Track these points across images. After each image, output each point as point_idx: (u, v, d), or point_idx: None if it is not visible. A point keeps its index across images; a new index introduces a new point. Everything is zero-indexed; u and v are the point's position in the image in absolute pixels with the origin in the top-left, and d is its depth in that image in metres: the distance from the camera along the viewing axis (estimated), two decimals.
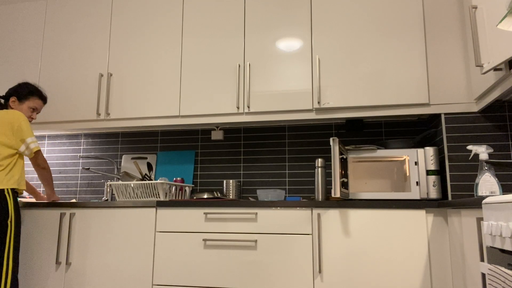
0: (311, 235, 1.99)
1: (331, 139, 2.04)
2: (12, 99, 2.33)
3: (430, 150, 2.10)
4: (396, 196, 2.08)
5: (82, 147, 3.03)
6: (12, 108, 2.32)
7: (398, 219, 1.92)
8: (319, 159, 2.21)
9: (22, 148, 2.18)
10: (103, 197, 2.87)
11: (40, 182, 3.05)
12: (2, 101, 2.36)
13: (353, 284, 1.91)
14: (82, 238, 2.26)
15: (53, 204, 2.33)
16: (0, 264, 2.02)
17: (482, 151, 1.87)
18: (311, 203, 2.01)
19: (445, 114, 2.15)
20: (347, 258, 1.94)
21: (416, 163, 2.10)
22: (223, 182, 2.67)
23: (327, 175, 2.56)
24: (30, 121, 2.33)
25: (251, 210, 2.07)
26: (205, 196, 2.33)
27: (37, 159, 2.24)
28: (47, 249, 2.30)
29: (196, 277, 2.08)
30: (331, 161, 2.45)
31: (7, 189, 2.09)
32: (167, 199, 2.41)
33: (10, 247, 2.05)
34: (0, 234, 2.04)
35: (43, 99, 2.42)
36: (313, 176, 2.61)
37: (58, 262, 2.27)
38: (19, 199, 2.67)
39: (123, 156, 2.92)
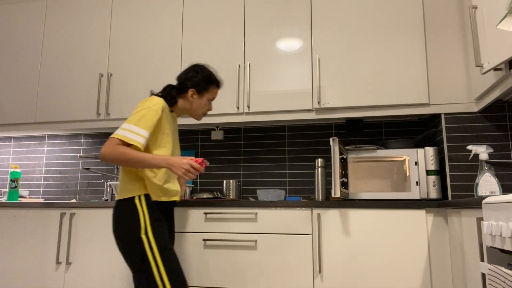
0: (311, 235, 1.99)
1: (331, 139, 2.04)
2: (191, 91, 1.81)
3: (430, 150, 2.10)
4: (396, 196, 2.08)
5: (82, 147, 3.03)
6: (189, 102, 1.83)
7: (398, 219, 1.92)
8: (319, 159, 2.21)
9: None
10: (103, 197, 2.87)
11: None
12: (174, 92, 1.83)
13: (353, 284, 1.91)
14: (82, 238, 2.26)
15: (53, 204, 2.33)
16: None
17: (482, 151, 1.87)
18: (311, 203, 2.01)
19: (445, 114, 2.15)
20: (347, 258, 1.94)
21: (416, 163, 2.09)
22: (223, 182, 2.67)
23: (327, 175, 2.56)
24: (204, 114, 1.89)
25: (251, 210, 2.07)
26: (205, 196, 2.33)
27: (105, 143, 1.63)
28: (47, 249, 2.30)
29: (196, 277, 2.08)
30: (331, 161, 2.44)
31: (138, 196, 1.68)
32: None
33: (159, 268, 1.60)
34: (134, 254, 1.61)
35: (220, 86, 1.92)
36: (313, 176, 2.61)
37: (58, 262, 2.27)
38: (19, 198, 2.68)
39: None
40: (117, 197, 1.71)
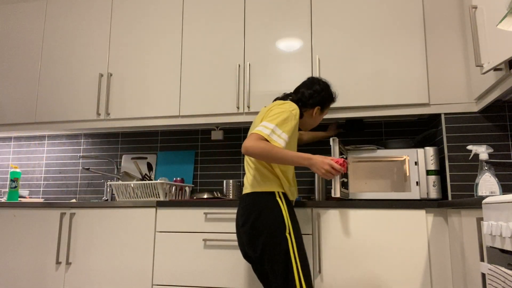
0: (311, 235, 1.99)
1: (331, 139, 2.04)
2: (317, 109, 1.87)
3: (430, 150, 2.10)
4: (396, 196, 2.08)
5: (82, 147, 3.03)
6: (311, 117, 1.88)
7: (398, 219, 1.92)
8: None
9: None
10: (103, 197, 2.87)
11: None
12: (300, 104, 1.86)
13: (353, 284, 1.91)
14: (82, 238, 2.26)
15: (53, 204, 2.33)
16: None
17: (482, 151, 1.87)
18: (311, 203, 2.01)
19: (445, 114, 2.15)
20: (347, 258, 1.94)
21: (416, 163, 2.09)
22: (223, 182, 2.67)
23: None
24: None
25: None
26: (205, 196, 2.33)
27: (246, 141, 1.63)
28: (47, 249, 2.30)
29: (196, 277, 2.08)
30: None
31: (278, 192, 1.70)
32: (167, 199, 2.41)
33: (299, 270, 1.59)
34: (277, 250, 1.60)
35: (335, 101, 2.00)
36: (313, 176, 2.61)
37: (58, 262, 2.27)
38: (19, 198, 2.68)
39: (123, 156, 2.92)
40: (252, 189, 1.69)
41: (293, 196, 1.79)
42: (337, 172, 1.61)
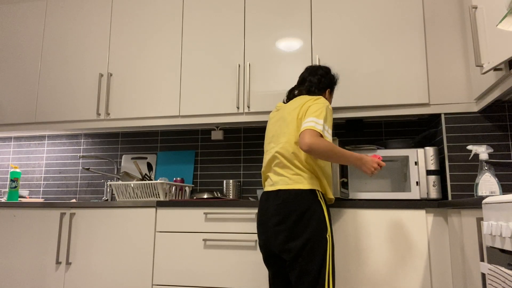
0: None
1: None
2: (328, 91, 1.90)
3: (430, 150, 2.10)
4: (396, 196, 2.08)
5: (82, 147, 3.03)
6: None
7: (398, 219, 1.92)
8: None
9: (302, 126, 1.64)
10: (103, 197, 2.87)
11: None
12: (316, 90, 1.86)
13: (353, 284, 1.91)
14: (82, 238, 2.26)
15: (53, 204, 2.33)
16: None
17: (482, 151, 1.87)
18: None
19: (445, 114, 2.15)
20: (347, 258, 1.94)
21: (416, 163, 2.09)
22: (223, 182, 2.67)
23: None
24: None
25: (251, 210, 2.07)
26: (205, 196, 2.33)
27: (303, 137, 1.57)
28: (47, 249, 2.30)
29: (196, 277, 2.08)
30: None
31: (319, 192, 1.64)
32: (167, 199, 2.41)
33: (329, 274, 1.56)
34: (317, 250, 1.55)
35: None
36: None
37: (58, 262, 2.27)
38: (19, 198, 2.68)
39: (123, 156, 2.92)
40: (289, 186, 1.61)
41: (331, 195, 1.71)
42: (380, 168, 1.67)
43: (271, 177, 1.71)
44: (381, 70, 2.25)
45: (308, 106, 1.68)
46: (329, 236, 1.58)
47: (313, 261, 1.54)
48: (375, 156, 1.72)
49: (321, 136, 1.58)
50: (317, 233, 1.56)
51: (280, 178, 1.66)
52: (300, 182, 1.61)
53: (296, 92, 1.87)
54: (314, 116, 1.61)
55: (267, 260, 1.72)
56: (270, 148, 1.75)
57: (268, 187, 1.71)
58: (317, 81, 1.85)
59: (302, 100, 1.74)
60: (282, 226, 1.58)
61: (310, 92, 1.83)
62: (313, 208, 1.57)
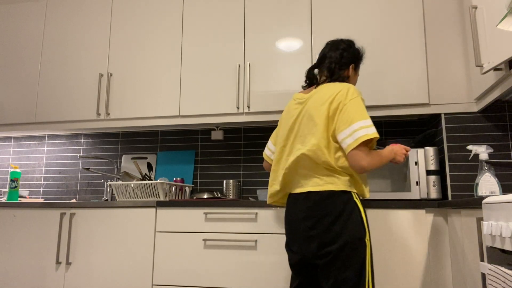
0: None
1: None
2: (351, 67, 1.69)
3: (430, 150, 2.10)
4: (396, 196, 2.08)
5: (82, 147, 3.03)
6: (346, 78, 1.68)
7: (398, 219, 1.92)
8: None
9: (342, 136, 1.48)
10: (103, 197, 2.87)
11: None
12: (337, 69, 1.65)
13: None
14: (82, 238, 2.26)
15: (53, 204, 2.33)
16: None
17: (482, 151, 1.87)
18: None
19: (445, 114, 2.15)
20: None
21: (416, 163, 2.09)
22: (223, 182, 2.67)
23: None
24: None
25: (251, 210, 2.07)
26: (205, 196, 2.33)
27: (358, 155, 1.46)
28: (47, 249, 2.30)
29: (196, 277, 2.08)
30: None
31: (354, 193, 1.51)
32: (167, 199, 2.41)
33: (368, 280, 1.44)
34: (355, 256, 1.43)
35: None
36: None
37: (58, 262, 2.27)
38: (19, 198, 2.68)
39: (123, 156, 2.92)
40: (321, 187, 1.49)
41: (368, 194, 1.59)
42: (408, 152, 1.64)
43: (298, 179, 1.56)
44: (381, 70, 2.25)
45: (343, 105, 1.49)
46: (367, 240, 1.45)
47: (351, 268, 1.41)
48: (393, 145, 1.63)
49: (372, 139, 1.49)
50: (355, 237, 1.42)
51: (310, 180, 1.52)
52: (333, 183, 1.48)
53: (315, 72, 1.70)
54: (360, 118, 1.46)
55: (296, 268, 1.58)
56: (296, 149, 1.57)
57: (296, 189, 1.56)
58: (339, 56, 1.65)
59: (328, 92, 1.54)
60: (315, 231, 1.46)
61: (331, 72, 1.63)
62: (348, 210, 1.44)
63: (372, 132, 1.45)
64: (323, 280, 1.47)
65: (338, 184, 1.48)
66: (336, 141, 1.51)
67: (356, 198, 1.50)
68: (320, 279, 1.49)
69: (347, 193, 1.48)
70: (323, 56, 1.70)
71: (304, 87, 1.76)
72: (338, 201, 1.45)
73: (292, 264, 1.60)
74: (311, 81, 1.73)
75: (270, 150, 1.84)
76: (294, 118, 1.62)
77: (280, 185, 1.62)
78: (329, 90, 1.55)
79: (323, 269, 1.46)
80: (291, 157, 1.58)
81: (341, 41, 1.70)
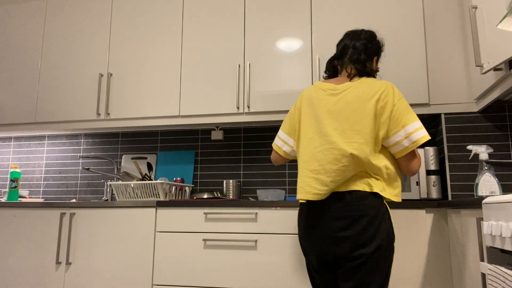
0: None
1: None
2: (375, 59, 1.63)
3: (430, 150, 2.10)
4: None
5: (82, 147, 3.03)
6: (372, 72, 1.61)
7: (398, 219, 1.92)
8: None
9: (396, 138, 1.45)
10: (103, 197, 2.87)
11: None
12: (366, 62, 1.58)
13: None
14: (82, 238, 2.26)
15: (53, 204, 2.33)
16: None
17: (482, 151, 1.87)
18: None
19: (445, 114, 2.15)
20: None
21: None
22: (223, 182, 2.67)
23: None
24: None
25: (251, 210, 2.07)
26: (205, 196, 2.33)
27: (415, 164, 1.49)
28: (47, 249, 2.30)
29: (196, 277, 2.08)
30: None
31: (384, 196, 1.46)
32: (167, 199, 2.41)
33: (387, 283, 1.44)
34: (384, 261, 1.40)
35: None
36: None
37: (58, 262, 2.27)
38: (19, 198, 2.68)
39: (123, 156, 2.92)
40: (360, 187, 1.43)
41: (400, 199, 1.52)
42: None
43: (328, 177, 1.45)
44: (381, 70, 2.25)
45: (392, 105, 1.45)
46: (394, 244, 1.47)
47: (377, 272, 1.38)
48: None
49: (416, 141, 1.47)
50: (387, 241, 1.40)
51: (344, 178, 1.44)
52: (368, 184, 1.44)
53: (337, 63, 1.63)
54: (413, 119, 1.45)
55: (320, 270, 1.52)
56: (335, 144, 1.46)
57: (323, 188, 1.46)
58: (363, 47, 1.57)
59: (371, 89, 1.48)
60: (348, 232, 1.39)
61: (362, 63, 1.56)
62: (382, 213, 1.41)
63: (426, 133, 1.45)
64: (344, 281, 1.43)
65: (373, 186, 1.43)
66: (378, 142, 1.46)
67: (386, 202, 1.47)
68: (340, 279, 1.44)
69: (380, 196, 1.44)
70: (344, 46, 1.61)
71: (325, 78, 1.69)
72: (373, 204, 1.41)
73: (313, 267, 1.54)
74: (333, 71, 1.66)
75: (282, 141, 1.68)
76: (327, 109, 1.51)
77: (327, 181, 1.45)
78: (371, 86, 1.49)
79: (350, 271, 1.41)
80: (328, 155, 1.46)
81: (362, 31, 1.63)
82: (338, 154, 1.44)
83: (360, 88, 1.50)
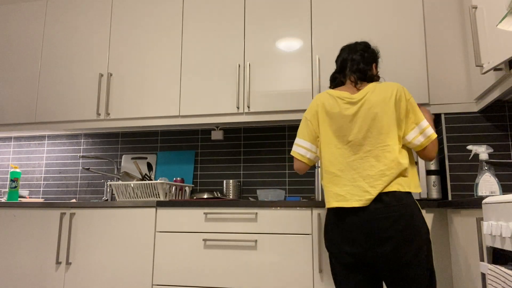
0: (311, 235, 1.99)
1: None
2: (374, 66, 1.72)
3: None
4: None
5: (82, 147, 3.03)
6: (374, 77, 1.69)
7: None
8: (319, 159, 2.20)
9: (413, 135, 1.57)
10: (103, 197, 2.87)
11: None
12: (372, 71, 1.69)
13: None
14: (82, 238, 2.26)
15: (53, 204, 2.33)
16: None
17: (482, 151, 1.87)
18: (311, 203, 2.01)
19: (445, 114, 2.15)
20: None
21: (416, 163, 2.09)
22: (223, 182, 2.67)
23: None
24: None
25: (251, 210, 2.07)
26: (205, 196, 2.33)
27: (431, 151, 1.59)
28: (47, 249, 2.30)
29: (196, 277, 2.08)
30: None
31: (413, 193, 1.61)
32: (167, 199, 2.41)
33: (435, 277, 1.53)
34: (424, 255, 1.46)
35: None
36: (313, 176, 2.61)
37: (58, 262, 2.27)
38: (19, 198, 2.68)
39: (123, 156, 2.92)
40: (395, 187, 1.49)
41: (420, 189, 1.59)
42: None
43: (367, 183, 1.51)
44: (381, 70, 2.25)
45: (408, 103, 1.56)
46: (430, 239, 1.53)
47: (424, 266, 1.45)
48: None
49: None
50: (427, 239, 1.47)
51: (384, 182, 1.49)
52: (400, 183, 1.49)
53: (340, 77, 1.70)
54: (423, 117, 1.58)
55: (355, 269, 1.53)
56: (371, 152, 1.53)
57: (365, 194, 1.50)
58: (360, 57, 1.67)
59: (386, 92, 1.57)
60: (390, 232, 1.43)
61: (363, 72, 1.64)
62: (417, 210, 1.47)
63: (433, 131, 1.59)
64: (392, 280, 1.47)
65: (404, 185, 1.50)
66: (400, 141, 1.55)
67: (416, 200, 1.54)
68: (388, 279, 1.48)
69: (409, 194, 1.50)
70: (343, 60, 1.71)
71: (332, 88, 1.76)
72: (409, 202, 1.47)
73: (347, 267, 1.54)
74: (337, 84, 1.73)
75: (305, 149, 1.67)
76: (350, 118, 1.57)
77: (367, 187, 1.51)
78: (385, 89, 1.58)
79: (396, 270, 1.44)
80: (365, 161, 1.53)
81: (356, 44, 1.73)
82: (374, 161, 1.52)
83: (376, 93, 1.58)
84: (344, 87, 1.67)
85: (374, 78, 1.67)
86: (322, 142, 1.63)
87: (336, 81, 1.73)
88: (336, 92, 1.64)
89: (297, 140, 1.70)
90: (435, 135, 1.57)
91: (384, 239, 1.43)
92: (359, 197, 1.49)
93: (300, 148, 1.69)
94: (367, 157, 1.53)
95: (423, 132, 1.55)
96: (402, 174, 1.51)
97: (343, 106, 1.60)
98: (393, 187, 1.48)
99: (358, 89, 1.62)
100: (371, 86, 1.60)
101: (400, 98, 1.55)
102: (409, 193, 1.50)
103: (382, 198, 1.47)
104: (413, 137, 1.55)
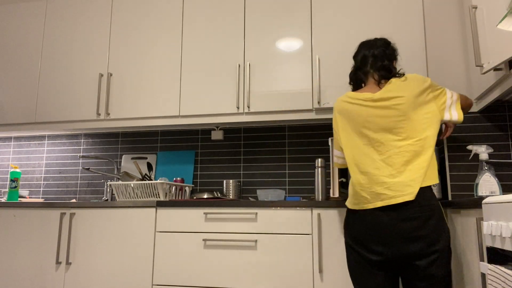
0: (311, 235, 1.99)
1: (329, 139, 2.04)
2: (394, 63, 1.71)
3: None
4: None
5: (82, 147, 3.03)
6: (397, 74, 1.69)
7: None
8: (319, 159, 2.21)
9: (448, 116, 1.60)
10: (103, 197, 2.87)
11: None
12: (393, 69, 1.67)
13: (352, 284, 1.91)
14: (82, 238, 2.26)
15: (53, 204, 2.33)
16: None
17: (482, 151, 1.87)
18: (311, 203, 2.01)
19: None
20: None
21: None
22: (223, 182, 2.67)
23: (327, 175, 2.55)
24: None
25: (251, 210, 2.07)
26: (205, 196, 2.33)
27: (464, 105, 1.68)
28: (47, 249, 2.30)
29: (196, 277, 2.08)
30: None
31: (432, 186, 1.51)
32: (167, 199, 2.41)
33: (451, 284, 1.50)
34: (446, 262, 1.47)
35: None
36: (313, 176, 2.61)
37: (58, 262, 2.27)
38: (19, 198, 2.68)
39: (123, 156, 2.92)
40: (425, 182, 1.48)
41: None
42: None
43: (389, 177, 1.50)
44: None
45: (428, 87, 1.58)
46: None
47: (448, 265, 1.47)
48: None
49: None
50: (449, 237, 1.49)
51: (420, 177, 1.49)
52: (424, 178, 1.49)
53: (360, 74, 1.69)
54: (454, 96, 1.65)
55: (381, 267, 1.53)
56: (403, 147, 1.52)
57: (383, 188, 1.51)
58: (382, 53, 1.65)
59: (409, 85, 1.57)
60: (421, 231, 1.44)
61: (388, 69, 1.63)
62: (439, 208, 1.49)
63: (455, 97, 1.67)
64: (418, 278, 1.47)
65: (426, 180, 1.50)
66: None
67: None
68: (414, 278, 1.49)
69: (430, 188, 1.51)
70: (364, 56, 1.68)
71: (352, 90, 1.75)
72: (436, 202, 1.49)
73: (376, 263, 1.53)
74: (358, 82, 1.73)
75: (337, 157, 1.80)
76: (377, 118, 1.57)
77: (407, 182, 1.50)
78: (407, 84, 1.58)
79: (423, 268, 1.45)
80: (400, 156, 1.52)
81: (376, 39, 1.72)
82: (409, 156, 1.51)
83: (399, 89, 1.58)
84: (367, 87, 1.66)
85: (396, 75, 1.66)
86: (344, 145, 1.65)
87: (357, 79, 1.72)
88: (357, 94, 1.63)
89: (334, 152, 1.82)
90: (458, 94, 1.66)
91: (415, 238, 1.45)
92: (399, 193, 1.47)
93: (336, 158, 1.81)
94: (403, 151, 1.51)
95: (451, 97, 1.62)
96: (429, 167, 1.50)
97: (366, 106, 1.59)
98: (423, 184, 1.48)
99: (380, 88, 1.61)
100: (391, 83, 1.60)
101: (421, 86, 1.57)
102: (428, 188, 1.50)
103: (416, 196, 1.46)
104: (448, 105, 1.60)
